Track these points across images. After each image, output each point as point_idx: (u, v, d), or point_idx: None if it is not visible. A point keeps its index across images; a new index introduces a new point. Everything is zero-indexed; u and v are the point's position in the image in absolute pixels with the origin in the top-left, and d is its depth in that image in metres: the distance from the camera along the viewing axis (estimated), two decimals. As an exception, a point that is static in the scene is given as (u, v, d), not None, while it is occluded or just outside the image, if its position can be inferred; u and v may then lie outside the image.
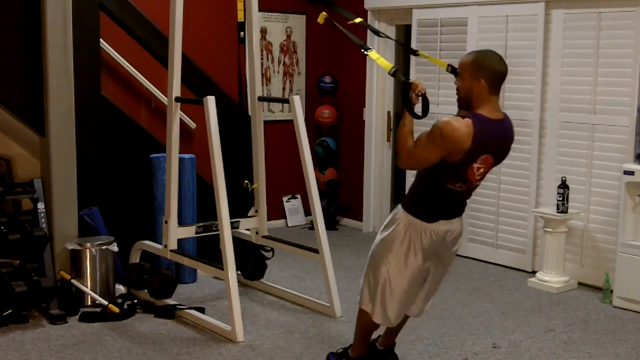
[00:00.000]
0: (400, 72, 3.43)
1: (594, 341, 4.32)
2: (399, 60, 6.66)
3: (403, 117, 3.26)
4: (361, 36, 3.99)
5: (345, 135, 7.23)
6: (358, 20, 3.74)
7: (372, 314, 3.50)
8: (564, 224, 5.23)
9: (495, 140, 3.19)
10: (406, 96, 3.23)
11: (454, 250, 3.52)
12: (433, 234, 3.33)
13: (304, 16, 7.08)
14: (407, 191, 3.44)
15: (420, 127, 3.27)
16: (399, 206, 3.42)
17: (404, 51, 6.58)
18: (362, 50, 3.57)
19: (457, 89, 3.24)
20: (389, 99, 6.88)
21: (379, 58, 3.46)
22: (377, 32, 3.95)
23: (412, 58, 6.22)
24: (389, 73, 3.39)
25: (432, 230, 3.32)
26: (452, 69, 3.42)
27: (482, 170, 3.22)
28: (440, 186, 3.25)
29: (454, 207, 3.38)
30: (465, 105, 3.21)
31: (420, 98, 3.24)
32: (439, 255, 3.47)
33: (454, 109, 3.35)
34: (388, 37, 4.10)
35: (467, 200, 3.43)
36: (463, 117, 3.12)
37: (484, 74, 3.13)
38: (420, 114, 3.25)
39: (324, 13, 3.75)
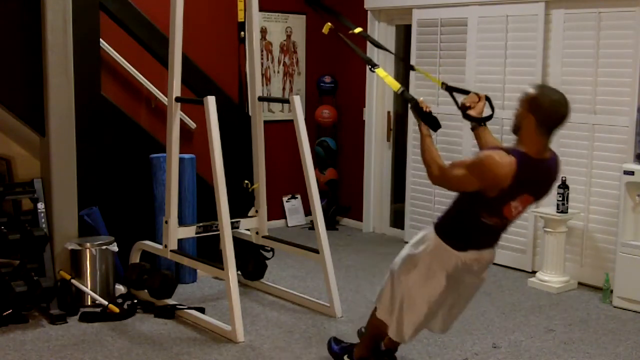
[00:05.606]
0: (407, 91, 3.41)
1: (594, 341, 4.33)
2: (397, 70, 6.65)
3: (421, 133, 3.24)
4: (359, 44, 3.96)
5: (345, 135, 7.23)
6: (358, 30, 3.69)
7: (389, 327, 3.44)
8: (564, 224, 5.23)
9: (536, 181, 3.12)
10: (420, 111, 3.23)
11: (483, 277, 3.43)
12: (460, 262, 3.24)
13: (304, 16, 7.08)
14: (442, 214, 3.36)
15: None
16: (431, 226, 3.35)
17: (402, 62, 6.57)
18: (369, 67, 3.53)
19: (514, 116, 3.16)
20: (389, 99, 6.87)
21: (387, 76, 3.44)
22: (377, 45, 3.90)
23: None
24: (396, 92, 3.39)
25: (459, 259, 3.24)
26: (446, 87, 3.40)
27: (519, 208, 3.16)
28: (474, 219, 3.18)
29: (486, 238, 3.30)
30: (515, 133, 3.13)
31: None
32: (466, 280, 3.38)
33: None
34: (388, 51, 3.98)
35: (502, 234, 3.34)
36: (508, 152, 3.03)
37: (535, 110, 3.01)
38: (433, 128, 3.26)
39: (329, 24, 3.72)
